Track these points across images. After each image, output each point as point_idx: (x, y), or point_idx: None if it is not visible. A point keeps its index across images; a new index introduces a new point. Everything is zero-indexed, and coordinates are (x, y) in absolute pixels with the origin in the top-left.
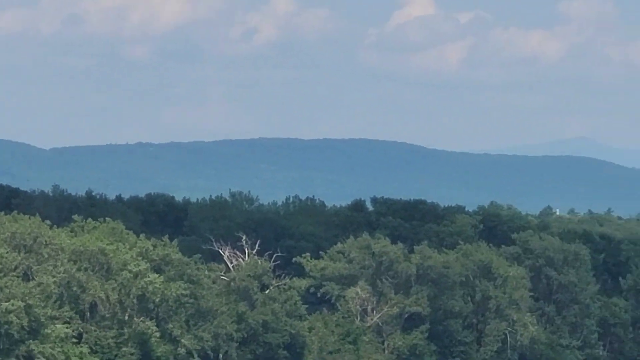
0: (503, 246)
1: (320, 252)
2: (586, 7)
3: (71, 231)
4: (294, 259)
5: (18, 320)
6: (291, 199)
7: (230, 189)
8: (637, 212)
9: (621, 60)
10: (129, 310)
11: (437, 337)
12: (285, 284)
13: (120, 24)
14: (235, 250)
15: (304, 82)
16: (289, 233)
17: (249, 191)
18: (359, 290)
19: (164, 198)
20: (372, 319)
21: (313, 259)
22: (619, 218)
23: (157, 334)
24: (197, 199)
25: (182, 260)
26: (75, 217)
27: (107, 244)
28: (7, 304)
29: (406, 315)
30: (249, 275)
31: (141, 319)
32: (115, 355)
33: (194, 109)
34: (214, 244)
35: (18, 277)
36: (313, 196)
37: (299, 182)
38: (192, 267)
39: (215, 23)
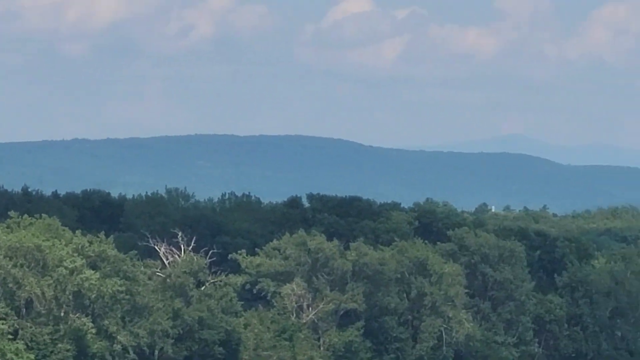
0: (439, 243)
1: (256, 249)
2: (521, 3)
3: (7, 227)
4: (229, 256)
5: None
6: (227, 196)
7: (166, 186)
8: (572, 209)
9: (556, 57)
10: (64, 306)
11: (372, 334)
12: (221, 281)
13: (57, 20)
14: (171, 246)
15: (240, 78)
16: (225, 230)
17: (185, 187)
18: (294, 286)
19: (100, 194)
20: (307, 316)
21: (249, 256)
22: (554, 215)
23: (93, 331)
24: (133, 196)
25: (118, 256)
26: (11, 213)
27: (43, 240)
28: None
29: (342, 312)
30: (184, 272)
31: (77, 315)
32: (51, 352)
33: (130, 106)
34: (150, 240)
35: None
36: (249, 193)
37: (235, 178)
38: (128, 263)
39: (152, 19)
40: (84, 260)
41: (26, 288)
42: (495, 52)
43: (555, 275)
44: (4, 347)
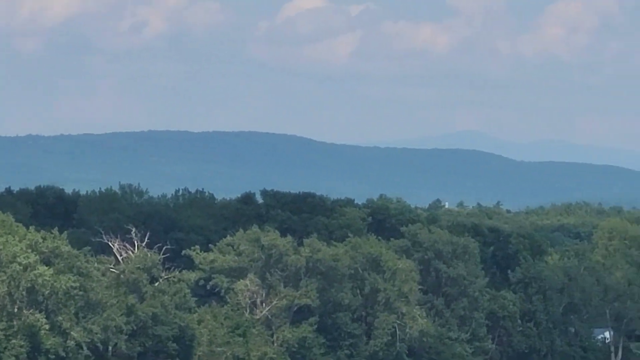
0: (392, 239)
1: (210, 245)
2: (475, 0)
3: None
4: (183, 252)
5: None
6: (181, 192)
7: (119, 182)
8: (526, 205)
9: (510, 54)
10: (18, 302)
11: (326, 330)
12: (174, 277)
13: (10, 16)
14: (124, 242)
15: (193, 74)
16: (179, 226)
17: (139, 184)
18: (248, 283)
19: (53, 190)
20: (261, 312)
21: (202, 252)
22: (508, 211)
23: (47, 327)
24: (87, 192)
25: (72, 252)
26: None
27: None
28: None
29: (295, 308)
30: (138, 268)
31: (30, 311)
32: (5, 348)
33: (84, 102)
34: (104, 236)
35: None
36: (203, 189)
37: (188, 174)
38: (82, 259)
39: (105, 16)
40: (37, 257)
41: None
42: (449, 49)
43: (509, 272)
44: None
